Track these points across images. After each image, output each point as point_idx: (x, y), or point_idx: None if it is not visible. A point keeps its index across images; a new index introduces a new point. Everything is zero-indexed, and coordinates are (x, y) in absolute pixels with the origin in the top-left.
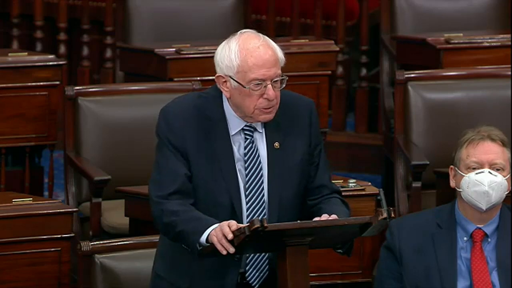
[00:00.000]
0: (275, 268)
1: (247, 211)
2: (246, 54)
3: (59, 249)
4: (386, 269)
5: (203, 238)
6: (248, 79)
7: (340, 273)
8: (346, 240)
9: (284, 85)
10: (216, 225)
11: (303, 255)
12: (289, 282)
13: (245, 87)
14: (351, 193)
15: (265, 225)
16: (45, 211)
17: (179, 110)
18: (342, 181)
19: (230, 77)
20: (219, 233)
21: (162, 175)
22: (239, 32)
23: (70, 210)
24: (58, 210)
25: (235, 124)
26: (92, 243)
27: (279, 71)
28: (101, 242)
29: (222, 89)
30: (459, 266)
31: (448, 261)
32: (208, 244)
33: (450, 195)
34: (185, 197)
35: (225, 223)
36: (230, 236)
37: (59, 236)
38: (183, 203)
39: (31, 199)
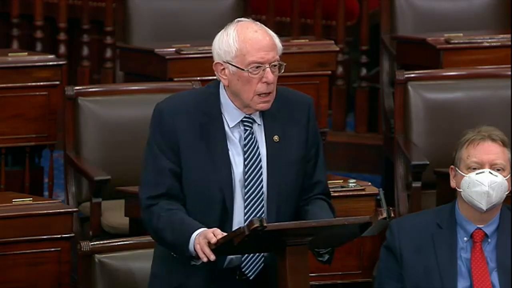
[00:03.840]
0: (269, 262)
1: (245, 202)
2: (244, 38)
3: (59, 249)
4: (386, 269)
5: (191, 246)
6: (247, 62)
7: (340, 273)
8: (346, 240)
9: (282, 71)
10: (199, 230)
11: (303, 255)
12: (289, 282)
13: (243, 70)
14: (351, 193)
15: (265, 224)
16: (45, 211)
17: (173, 106)
18: (342, 181)
19: (228, 62)
20: (201, 240)
21: (151, 174)
22: (236, 20)
23: (70, 210)
24: (58, 210)
25: (234, 116)
26: (92, 243)
27: (277, 57)
28: (101, 242)
29: (220, 78)
30: (459, 267)
31: (448, 261)
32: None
33: (450, 195)
34: (173, 199)
35: (209, 230)
36: (213, 240)
37: (59, 236)
38: (170, 203)
39: (31, 199)
